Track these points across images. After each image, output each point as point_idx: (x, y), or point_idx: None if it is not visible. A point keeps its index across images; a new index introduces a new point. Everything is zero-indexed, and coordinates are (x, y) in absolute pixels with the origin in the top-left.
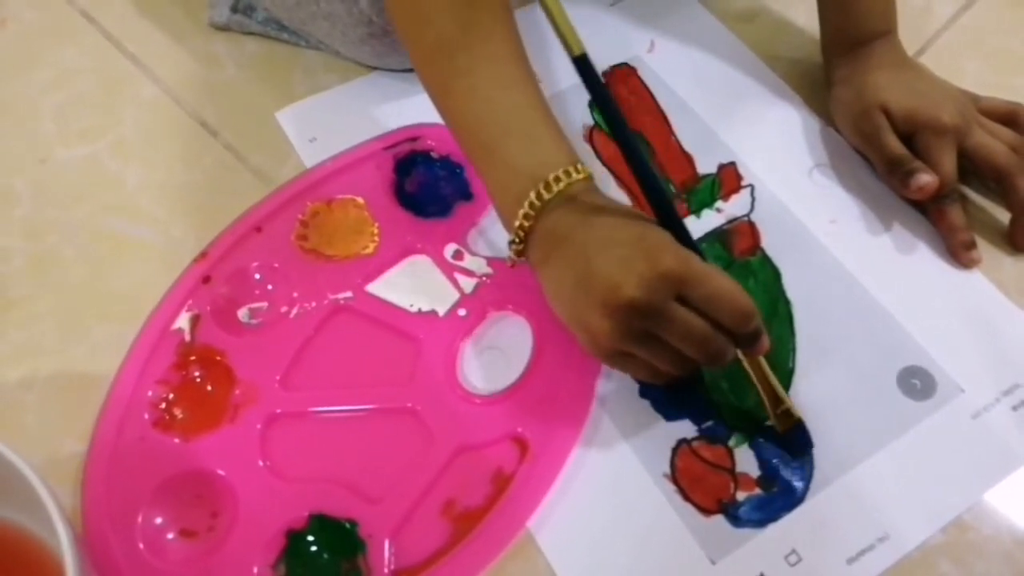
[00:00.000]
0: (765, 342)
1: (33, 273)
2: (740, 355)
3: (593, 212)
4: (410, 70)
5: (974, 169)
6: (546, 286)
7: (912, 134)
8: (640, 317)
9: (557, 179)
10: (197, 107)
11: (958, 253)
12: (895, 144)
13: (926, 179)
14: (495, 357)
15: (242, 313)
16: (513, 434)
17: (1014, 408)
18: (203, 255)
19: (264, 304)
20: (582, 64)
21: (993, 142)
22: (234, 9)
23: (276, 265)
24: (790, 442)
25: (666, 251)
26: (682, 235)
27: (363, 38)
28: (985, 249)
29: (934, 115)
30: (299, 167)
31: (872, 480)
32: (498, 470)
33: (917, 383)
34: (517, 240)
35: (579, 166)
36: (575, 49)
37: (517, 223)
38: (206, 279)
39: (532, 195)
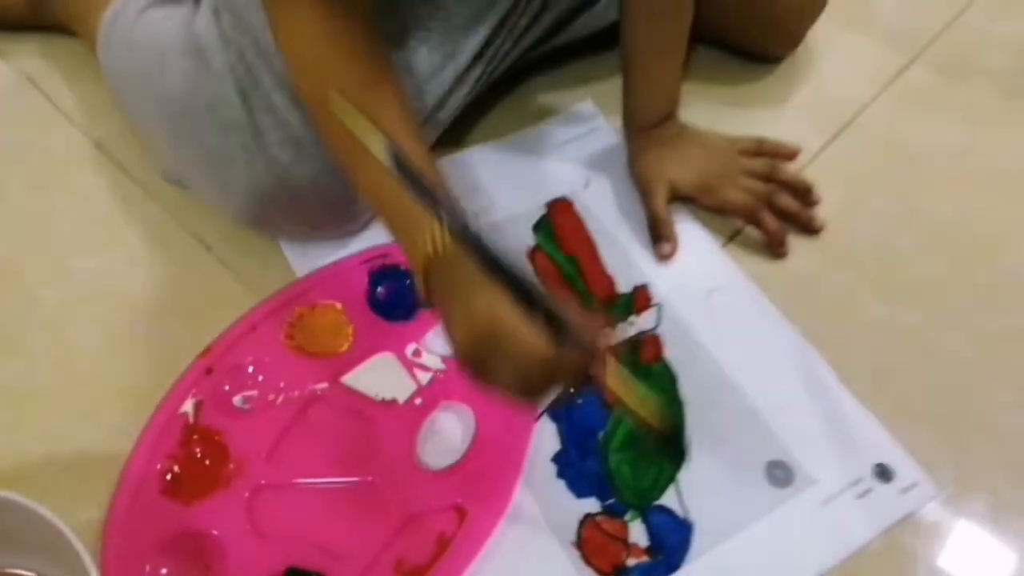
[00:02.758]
0: (606, 341)
1: (57, 372)
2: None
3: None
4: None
5: (734, 215)
6: (444, 323)
7: (691, 197)
8: (471, 354)
9: (434, 240)
10: (195, 227)
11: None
12: (659, 211)
13: (665, 250)
14: (444, 439)
15: (237, 400)
16: (455, 504)
17: (858, 497)
18: (207, 351)
19: (255, 392)
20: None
21: (737, 195)
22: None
23: (267, 360)
24: (668, 440)
25: (482, 306)
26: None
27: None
28: (840, 352)
29: (700, 184)
30: (285, 273)
31: (738, 553)
32: (441, 534)
33: (780, 473)
34: (423, 292)
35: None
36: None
37: (418, 270)
38: (209, 371)
39: (426, 250)
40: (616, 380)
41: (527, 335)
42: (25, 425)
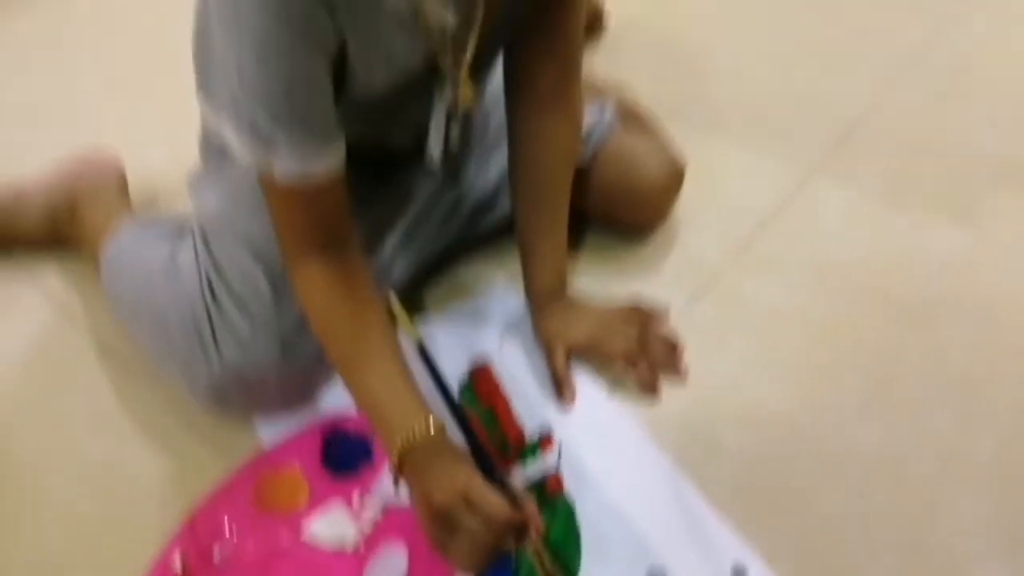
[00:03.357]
0: (532, 533)
1: (71, 540)
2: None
3: (435, 454)
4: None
5: (617, 363)
6: (411, 496)
7: (583, 351)
8: (442, 514)
9: (411, 434)
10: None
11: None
12: (559, 368)
13: (566, 399)
14: (385, 571)
15: (215, 553)
16: None
17: None
18: (191, 513)
19: (229, 550)
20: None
21: (617, 345)
22: None
23: (240, 518)
24: None
25: (463, 478)
26: (488, 472)
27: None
28: (703, 474)
29: (589, 342)
30: (254, 445)
31: None
32: None
33: None
34: (394, 469)
35: (424, 420)
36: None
37: (392, 462)
38: (192, 529)
39: (399, 442)
40: (538, 543)
41: (496, 500)
42: None
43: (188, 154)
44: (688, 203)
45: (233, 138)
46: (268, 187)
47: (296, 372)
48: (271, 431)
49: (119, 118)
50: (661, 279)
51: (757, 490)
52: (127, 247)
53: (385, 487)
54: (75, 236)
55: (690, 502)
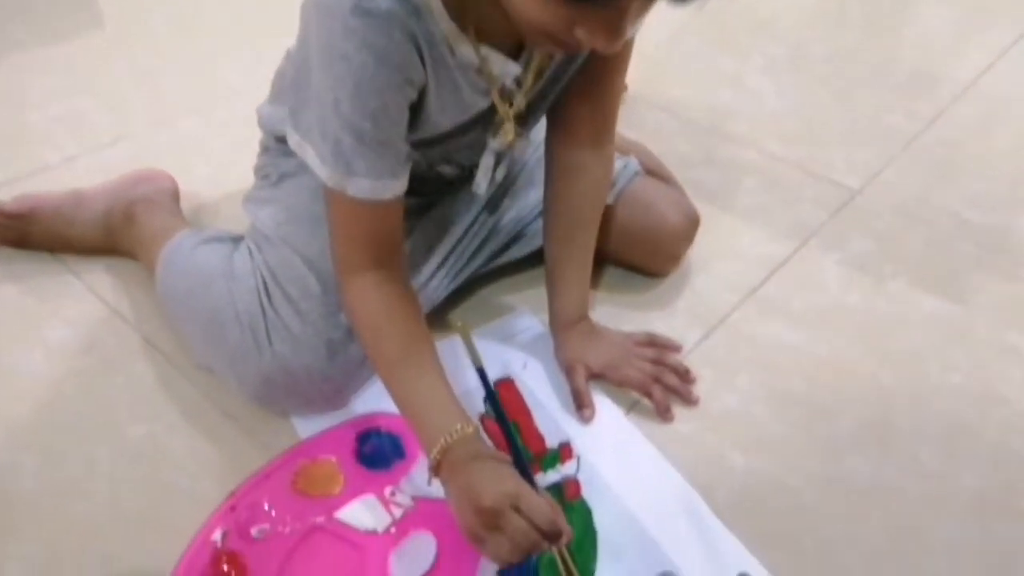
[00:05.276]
0: (563, 539)
1: (113, 513)
2: (553, 549)
3: (475, 454)
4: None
5: (631, 388)
6: (449, 496)
7: (601, 374)
8: (490, 516)
9: (453, 433)
10: (221, 402)
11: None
12: (580, 386)
13: (586, 414)
14: (412, 559)
15: (254, 530)
16: None
17: None
18: (232, 494)
19: (267, 525)
20: (482, 375)
21: (634, 372)
22: None
23: (278, 500)
24: None
25: (510, 480)
26: (525, 475)
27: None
28: (711, 492)
29: (608, 365)
30: (292, 435)
31: None
32: None
33: None
34: (432, 467)
35: (467, 424)
36: (477, 363)
37: (432, 458)
38: (233, 508)
39: (440, 442)
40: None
41: (545, 506)
42: (87, 554)
43: (229, 176)
44: (699, 252)
45: (315, 158)
46: (337, 204)
47: (338, 373)
48: (307, 427)
49: (168, 142)
50: (674, 317)
51: (760, 509)
52: (187, 250)
53: (416, 482)
54: (128, 242)
55: (699, 513)
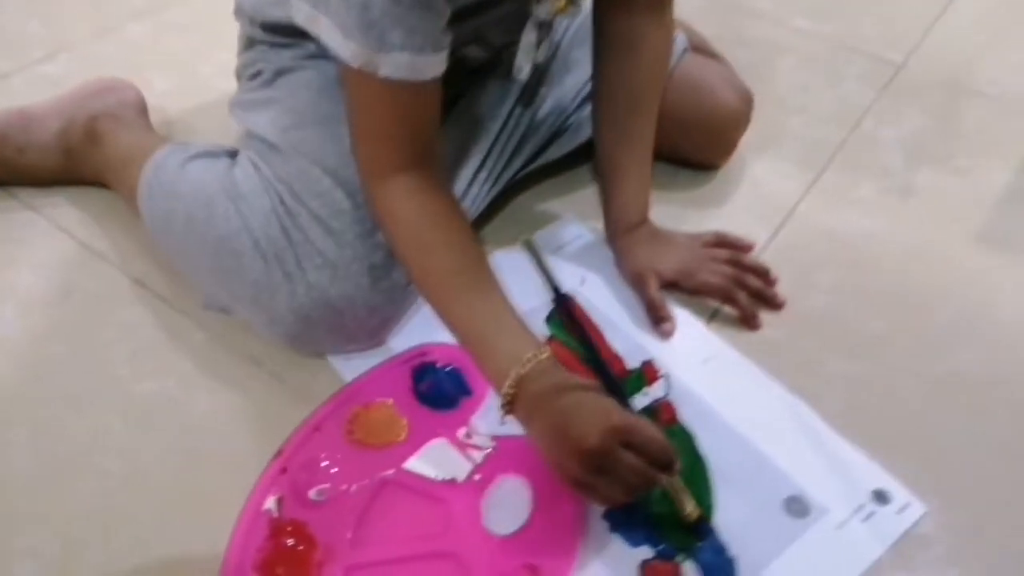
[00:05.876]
0: (677, 466)
1: (134, 489)
2: (665, 481)
3: (560, 385)
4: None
5: (710, 295)
6: (532, 436)
7: (674, 282)
8: (598, 458)
9: (527, 361)
10: (242, 347)
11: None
12: (655, 296)
13: (667, 327)
14: (505, 508)
15: (312, 493)
16: (527, 564)
17: (864, 520)
18: (279, 453)
19: (328, 484)
20: (557, 293)
21: (713, 277)
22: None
23: (335, 455)
24: (698, 530)
25: (615, 413)
26: (622, 401)
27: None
28: (815, 401)
29: (681, 272)
30: (332, 379)
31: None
32: None
33: (797, 507)
34: (506, 404)
35: (542, 349)
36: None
37: (504, 392)
38: (284, 470)
39: (513, 373)
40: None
41: (661, 437)
42: (112, 542)
43: (195, 85)
44: (747, 138)
45: (333, 33)
46: (363, 91)
47: (383, 302)
48: (350, 368)
49: (116, 52)
50: (735, 214)
51: (873, 417)
52: (174, 169)
53: (491, 420)
54: (94, 166)
55: (814, 427)
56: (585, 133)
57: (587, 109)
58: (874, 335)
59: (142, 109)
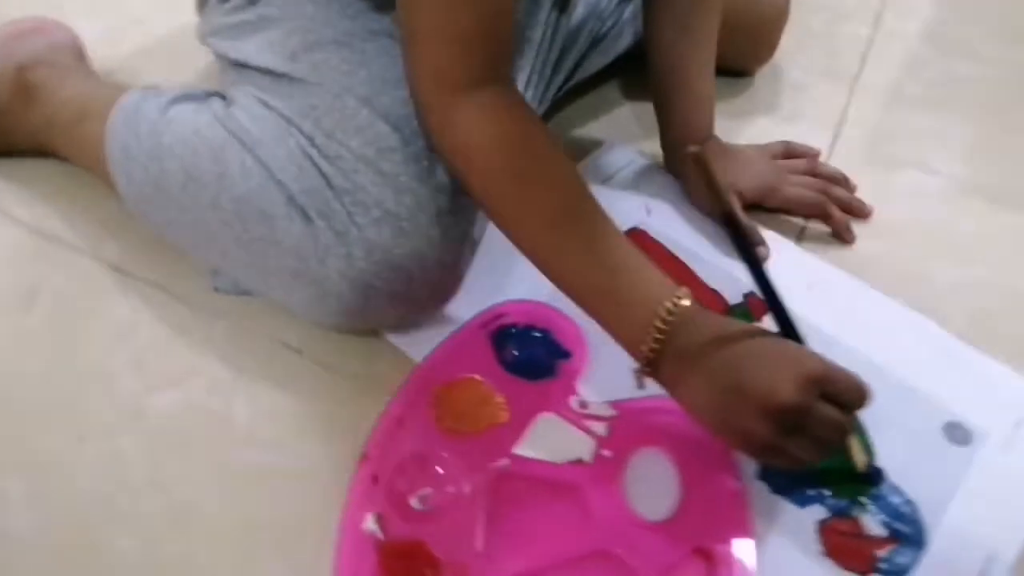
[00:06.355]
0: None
1: (179, 529)
2: None
3: (719, 332)
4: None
5: (800, 211)
6: (687, 399)
7: (756, 201)
8: (795, 415)
9: (670, 310)
10: (273, 333)
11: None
12: (741, 219)
13: (763, 253)
14: (651, 485)
15: (414, 501)
16: (696, 548)
17: None
18: (364, 457)
19: (430, 490)
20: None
21: (800, 190)
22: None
23: (430, 451)
24: (870, 478)
25: (807, 358)
26: (799, 343)
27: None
28: (932, 315)
29: (763, 188)
30: (394, 358)
31: (966, 513)
32: None
33: (959, 433)
34: (646, 363)
35: (681, 292)
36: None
37: (646, 348)
38: (375, 479)
39: (657, 322)
40: None
41: (859, 379)
42: None
43: (135, 26)
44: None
45: None
46: None
47: (453, 257)
48: (411, 344)
49: None
50: (787, 122)
51: (996, 322)
52: (153, 117)
53: (602, 383)
54: (31, 126)
55: (948, 345)
56: (626, 40)
57: (627, 10)
58: (976, 234)
59: (79, 53)
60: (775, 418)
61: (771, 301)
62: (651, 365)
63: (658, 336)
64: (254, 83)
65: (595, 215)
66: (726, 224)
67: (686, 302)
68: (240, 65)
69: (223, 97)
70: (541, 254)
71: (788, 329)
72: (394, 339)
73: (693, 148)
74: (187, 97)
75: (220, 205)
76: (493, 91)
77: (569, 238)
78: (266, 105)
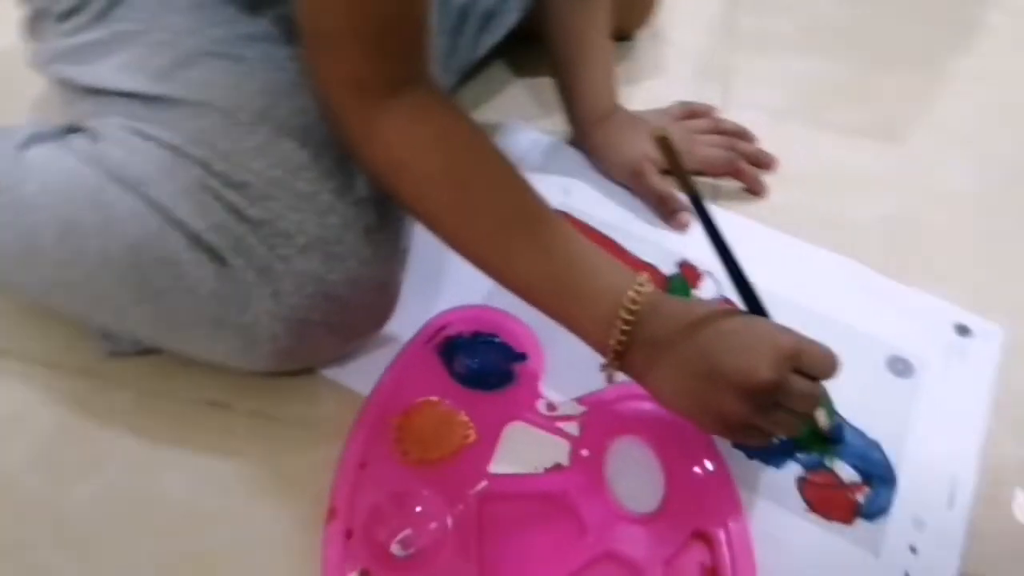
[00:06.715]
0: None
1: None
2: None
3: (686, 316)
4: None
5: (713, 171)
6: (658, 387)
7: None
8: (772, 393)
9: (634, 299)
10: (191, 392)
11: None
12: (660, 187)
13: (683, 219)
14: (634, 478)
15: (395, 547)
16: (694, 532)
17: (961, 359)
18: (332, 512)
19: (409, 531)
20: (698, 204)
21: (710, 150)
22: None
23: (402, 490)
24: (834, 437)
25: (778, 334)
26: (765, 317)
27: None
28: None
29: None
30: (339, 396)
31: (923, 442)
32: (702, 565)
33: (900, 366)
34: (614, 357)
35: (642, 279)
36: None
37: (613, 342)
38: (349, 534)
39: (623, 313)
40: None
41: (818, 343)
42: None
43: None
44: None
45: None
46: None
47: (386, 273)
48: (352, 376)
49: None
50: (677, 81)
51: (909, 249)
52: (7, 167)
53: (563, 381)
54: None
55: (873, 282)
56: (513, 15)
57: None
58: (870, 172)
59: None
60: (752, 398)
61: (737, 279)
62: (619, 358)
63: (624, 328)
64: (120, 111)
65: (541, 211)
66: (693, 206)
67: (648, 288)
68: (96, 92)
69: (82, 131)
70: (490, 259)
71: (754, 304)
72: (331, 374)
73: (658, 131)
74: (40, 137)
75: (110, 257)
76: (418, 92)
77: (519, 239)
78: (143, 135)
